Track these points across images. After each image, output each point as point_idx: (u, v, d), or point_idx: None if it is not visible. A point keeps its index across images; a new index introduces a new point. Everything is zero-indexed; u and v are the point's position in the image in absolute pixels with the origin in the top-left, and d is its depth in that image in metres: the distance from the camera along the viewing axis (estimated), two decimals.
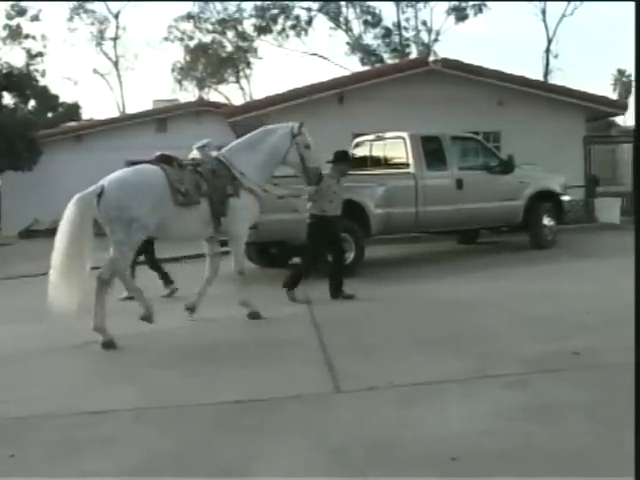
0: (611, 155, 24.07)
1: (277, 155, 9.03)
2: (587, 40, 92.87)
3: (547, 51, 46.59)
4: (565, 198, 14.50)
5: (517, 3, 64.67)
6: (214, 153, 8.85)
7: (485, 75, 19.20)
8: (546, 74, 45.52)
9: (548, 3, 45.37)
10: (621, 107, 23.06)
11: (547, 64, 46.42)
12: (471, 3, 45.96)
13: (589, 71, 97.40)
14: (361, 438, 4.56)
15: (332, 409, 5.21)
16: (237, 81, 52.00)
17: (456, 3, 46.06)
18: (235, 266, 8.76)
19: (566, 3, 45.00)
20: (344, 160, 10.10)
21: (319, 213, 9.62)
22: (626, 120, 46.29)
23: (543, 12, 46.40)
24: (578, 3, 47.47)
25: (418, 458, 4.23)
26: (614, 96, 60.15)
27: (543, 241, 14.00)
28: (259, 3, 46.39)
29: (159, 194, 7.96)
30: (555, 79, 42.87)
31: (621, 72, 76.14)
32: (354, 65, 46.79)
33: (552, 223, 14.12)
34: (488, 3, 45.74)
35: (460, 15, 46.75)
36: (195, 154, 8.81)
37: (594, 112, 20.87)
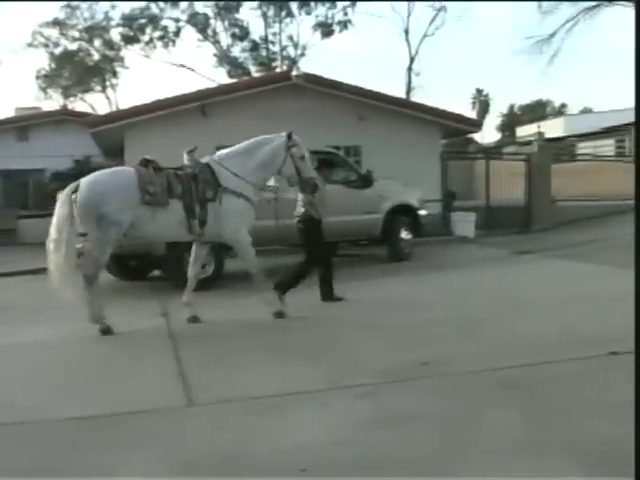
0: (468, 171, 24.93)
1: (272, 165, 9.32)
2: (448, 59, 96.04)
3: (409, 69, 47.92)
4: (422, 212, 14.94)
5: (382, 21, 66.42)
6: (206, 158, 9.22)
7: (346, 91, 19.55)
8: (408, 91, 46.79)
9: (411, 23, 46.52)
10: (477, 125, 24.00)
11: (409, 81, 47.74)
12: (337, 19, 46.76)
13: (451, 89, 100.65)
14: (212, 451, 4.55)
15: (185, 422, 5.17)
16: (103, 90, 51.10)
17: (322, 19, 46.78)
18: (250, 269, 9.20)
19: (427, 24, 46.32)
20: (328, 166, 10.51)
21: (316, 216, 9.94)
22: (483, 137, 47.97)
23: (406, 31, 47.73)
24: (439, 24, 48.88)
25: (268, 470, 4.24)
26: (473, 114, 62.21)
27: (401, 254, 14.40)
28: (127, 12, 45.73)
29: (128, 193, 8.46)
30: (417, 96, 44.13)
31: (479, 91, 79.07)
32: (222, 77, 46.85)
33: (409, 236, 14.55)
34: (353, 20, 46.67)
35: (326, 31, 47.47)
36: (185, 158, 9.16)
37: (452, 129, 21.60)
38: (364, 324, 8.30)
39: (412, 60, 47.96)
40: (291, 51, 48.27)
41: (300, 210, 10.00)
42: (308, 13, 46.91)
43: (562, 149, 35.38)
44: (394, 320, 8.42)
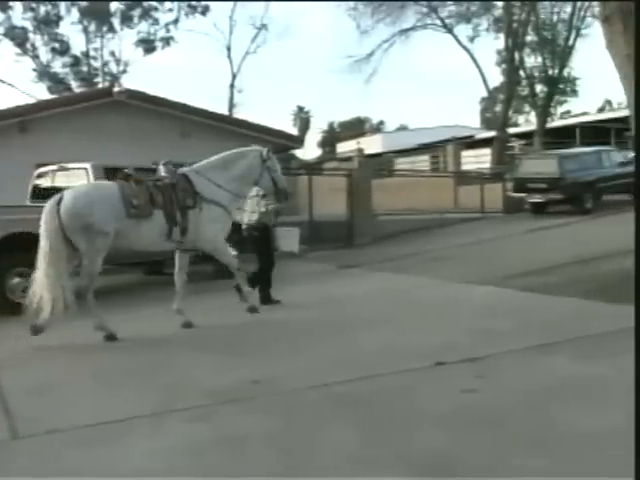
0: (291, 186, 25.21)
1: (249, 177, 9.88)
2: (270, 77, 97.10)
3: (232, 86, 48.14)
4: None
5: (204, 38, 66.29)
6: (184, 169, 9.60)
7: (169, 107, 19.43)
8: (231, 108, 46.97)
9: (233, 40, 46.90)
10: (298, 141, 24.45)
11: (232, 98, 47.96)
12: (160, 36, 46.36)
13: (273, 106, 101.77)
14: None
15: (9, 457, 4.90)
16: None
17: (144, 35, 46.23)
18: (232, 270, 9.82)
19: (249, 42, 46.86)
20: None
21: (268, 223, 10.67)
22: (305, 153, 48.76)
23: (228, 48, 47.96)
24: (261, 41, 49.47)
25: None
26: (294, 131, 63.11)
27: (227, 270, 14.33)
28: None
29: (111, 205, 8.68)
30: (240, 113, 44.36)
31: (300, 108, 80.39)
32: (42, 93, 45.15)
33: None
34: (176, 37, 46.44)
35: (148, 47, 46.96)
36: (161, 170, 9.51)
37: (274, 145, 21.83)
38: (195, 344, 8.22)
39: (234, 77, 48.26)
40: (113, 67, 47.43)
41: (253, 218, 10.61)
42: (130, 28, 46.25)
43: (381, 165, 36.57)
44: (223, 339, 8.41)
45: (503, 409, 5.38)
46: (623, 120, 27.96)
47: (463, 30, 42.09)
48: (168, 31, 46.56)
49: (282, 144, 22.15)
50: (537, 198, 22.11)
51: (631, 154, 22.08)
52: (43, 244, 8.49)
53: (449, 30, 40.20)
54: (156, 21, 46.57)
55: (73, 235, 8.55)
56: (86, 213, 8.52)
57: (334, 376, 6.36)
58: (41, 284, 8.35)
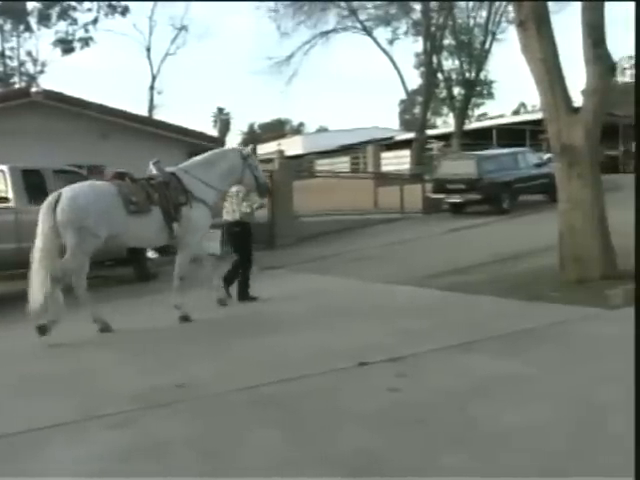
0: None
1: (232, 175, 10.22)
2: (190, 78, 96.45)
3: (152, 87, 47.62)
4: None
5: (124, 39, 65.30)
6: (172, 168, 9.98)
7: (88, 108, 19.14)
8: (151, 109, 46.46)
9: (152, 42, 46.42)
10: (219, 142, 24.28)
11: (152, 99, 47.43)
12: (78, 36, 45.57)
13: (193, 108, 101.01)
14: None
15: None
16: None
17: (62, 35, 45.39)
18: (177, 271, 9.72)
19: (169, 43, 46.45)
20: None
21: (248, 220, 11.01)
22: None
23: (148, 49, 47.42)
24: (181, 42, 49.08)
25: None
26: (214, 132, 62.81)
27: (148, 274, 14.25)
28: None
29: (109, 205, 8.99)
30: (160, 114, 43.92)
31: (220, 110, 80.00)
32: None
33: (156, 256, 14.42)
34: (95, 37, 45.72)
35: (67, 47, 46.11)
36: (151, 169, 9.89)
37: (194, 146, 21.71)
38: (118, 348, 8.15)
39: (154, 78, 47.74)
40: (30, 67, 46.42)
41: (234, 216, 10.88)
42: (48, 27, 45.34)
43: (302, 166, 36.67)
44: (146, 343, 8.32)
45: (425, 408, 5.47)
46: (537, 122, 28.64)
47: (382, 33, 42.61)
48: (87, 31, 45.83)
49: (203, 145, 21.99)
50: (456, 199, 22.49)
51: (546, 155, 22.67)
52: (37, 242, 8.70)
53: (369, 33, 40.62)
54: (75, 21, 45.77)
55: (65, 232, 8.77)
56: (82, 214, 8.77)
57: (259, 378, 6.36)
58: (34, 282, 8.54)
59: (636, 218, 7.80)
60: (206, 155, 10.36)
